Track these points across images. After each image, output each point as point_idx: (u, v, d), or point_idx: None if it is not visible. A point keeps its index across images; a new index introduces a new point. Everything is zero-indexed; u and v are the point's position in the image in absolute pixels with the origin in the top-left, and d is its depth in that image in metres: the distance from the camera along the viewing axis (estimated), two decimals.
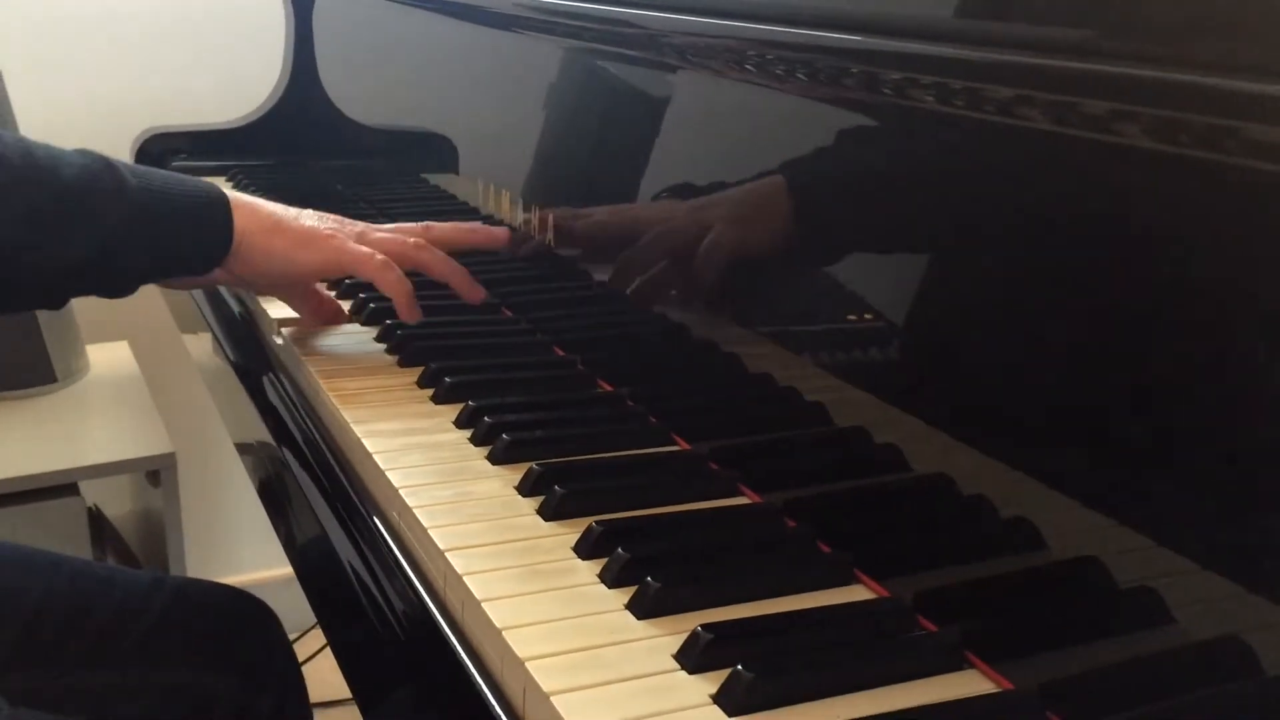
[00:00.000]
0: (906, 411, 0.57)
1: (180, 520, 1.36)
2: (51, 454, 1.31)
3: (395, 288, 0.82)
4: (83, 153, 0.78)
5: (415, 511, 0.62)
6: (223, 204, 0.80)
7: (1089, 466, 0.48)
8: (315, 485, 0.73)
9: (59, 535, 1.28)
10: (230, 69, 1.67)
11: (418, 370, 0.81)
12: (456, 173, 1.08)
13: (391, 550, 0.63)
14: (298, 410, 0.82)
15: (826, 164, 0.63)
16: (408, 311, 0.82)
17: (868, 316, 0.60)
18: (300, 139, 1.47)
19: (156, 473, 1.35)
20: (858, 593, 0.56)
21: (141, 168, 0.80)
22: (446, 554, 0.58)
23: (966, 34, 0.52)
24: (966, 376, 0.54)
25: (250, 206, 0.82)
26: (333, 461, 0.74)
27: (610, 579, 0.55)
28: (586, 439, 0.70)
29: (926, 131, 0.56)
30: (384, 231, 0.86)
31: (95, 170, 0.76)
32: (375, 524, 0.65)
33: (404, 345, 0.84)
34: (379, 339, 0.87)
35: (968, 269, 0.54)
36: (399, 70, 1.25)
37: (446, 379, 0.78)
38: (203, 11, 1.69)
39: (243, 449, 0.97)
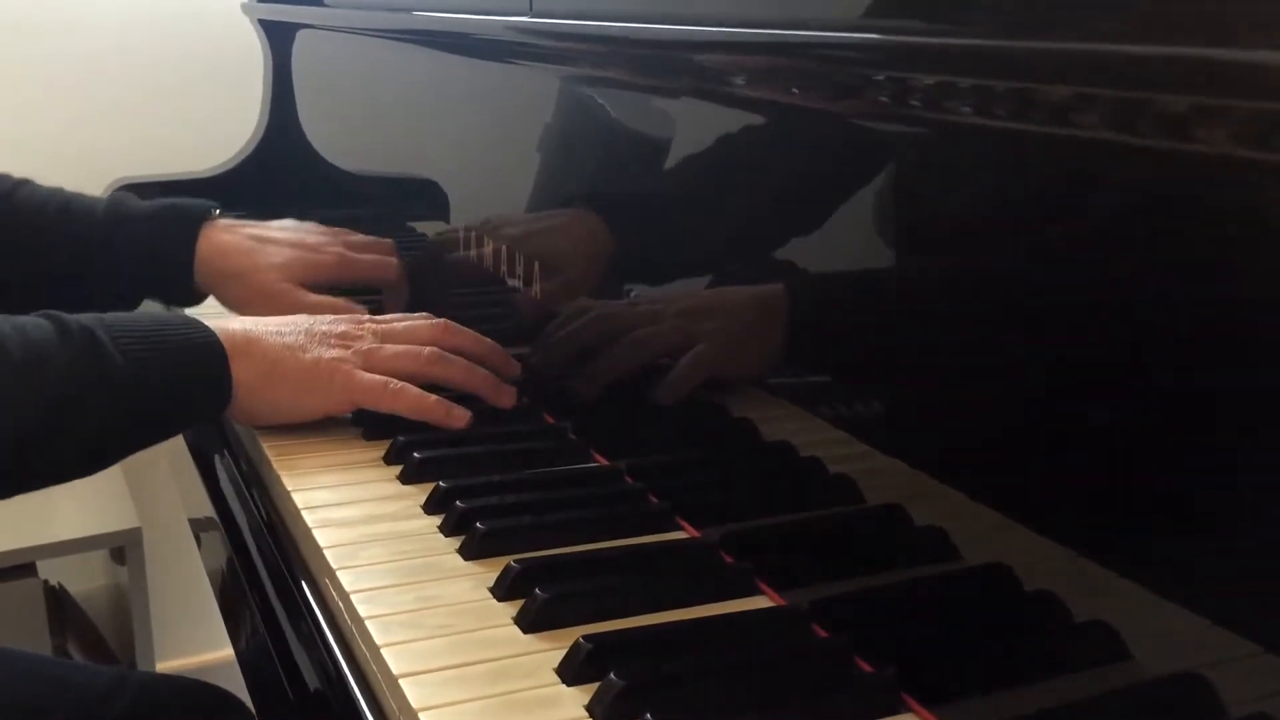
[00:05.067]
0: (949, 484, 0.48)
1: (147, 600, 1.25)
2: (4, 531, 1.21)
3: (418, 409, 0.72)
4: (60, 328, 0.65)
5: (368, 624, 0.51)
6: (219, 357, 0.69)
7: (1191, 560, 0.38)
8: (260, 581, 0.63)
9: (12, 622, 1.17)
10: (205, 115, 1.60)
11: (385, 444, 0.70)
12: (447, 222, 0.99)
13: (344, 673, 0.52)
14: (247, 489, 0.72)
15: (877, 197, 0.53)
16: (445, 418, 0.72)
17: (901, 367, 0.50)
18: (280, 188, 1.40)
19: (121, 549, 1.24)
20: None
21: (123, 321, 0.67)
22: (401, 682, 0.47)
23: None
24: (1023, 441, 0.45)
25: (247, 348, 0.70)
26: (282, 554, 0.63)
27: (601, 713, 0.45)
28: (576, 526, 0.60)
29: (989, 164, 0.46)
30: (395, 342, 0.74)
31: (80, 364, 0.64)
32: (329, 637, 0.55)
33: (370, 415, 0.74)
34: None
35: (1023, 315, 0.45)
36: (384, 113, 1.18)
37: (415, 454, 0.68)
38: (176, 55, 1.61)
39: (195, 526, 0.87)
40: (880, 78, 0.46)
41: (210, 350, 0.69)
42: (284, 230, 0.95)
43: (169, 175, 1.41)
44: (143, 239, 0.91)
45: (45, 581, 1.27)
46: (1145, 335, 0.40)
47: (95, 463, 0.67)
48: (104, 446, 0.66)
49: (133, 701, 0.80)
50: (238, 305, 0.90)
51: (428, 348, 0.74)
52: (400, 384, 0.72)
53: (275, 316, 0.75)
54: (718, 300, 0.62)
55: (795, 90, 0.52)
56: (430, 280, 0.98)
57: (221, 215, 0.94)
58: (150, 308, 0.95)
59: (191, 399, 0.69)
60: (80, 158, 1.56)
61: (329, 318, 0.76)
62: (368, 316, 0.78)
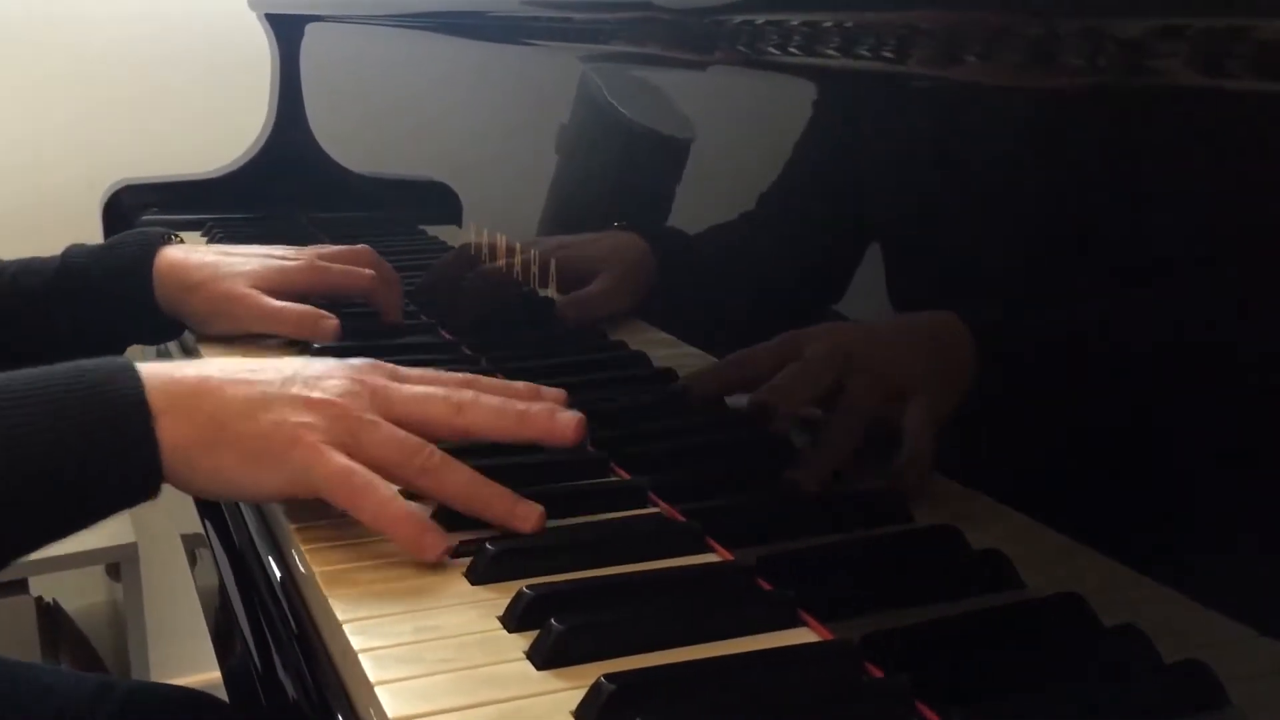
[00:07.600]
0: (1007, 503, 0.44)
1: (143, 616, 1.20)
2: None
3: (379, 518, 0.54)
4: None
5: (362, 658, 0.46)
6: (138, 416, 0.53)
7: None
8: (248, 607, 0.58)
9: (3, 638, 1.12)
10: (211, 113, 1.57)
11: None
12: (459, 225, 0.95)
13: (333, 713, 0.47)
14: (239, 507, 0.66)
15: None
16: (415, 545, 0.54)
17: (944, 368, 0.46)
18: (286, 189, 1.37)
19: (117, 565, 1.19)
20: None
21: (16, 382, 0.54)
22: None
23: None
24: (1094, 455, 0.40)
25: (189, 401, 0.55)
26: (272, 575, 0.58)
27: None
28: (594, 547, 0.55)
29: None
30: (396, 417, 0.57)
31: None
32: (322, 670, 0.50)
33: None
34: None
35: (1104, 318, 0.40)
36: (394, 112, 1.15)
37: None
38: (181, 52, 1.58)
39: (187, 542, 0.83)
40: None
41: (127, 407, 0.53)
42: (250, 247, 0.90)
43: (172, 176, 1.38)
44: (98, 271, 0.85)
45: (39, 598, 1.23)
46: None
47: None
48: None
49: (119, 708, 0.76)
50: (202, 318, 0.85)
51: (427, 448, 0.56)
52: (367, 479, 0.54)
53: (259, 359, 0.60)
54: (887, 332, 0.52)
55: (847, 52, 0.46)
56: (454, 287, 0.92)
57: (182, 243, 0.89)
58: (132, 353, 0.89)
59: (98, 474, 0.53)
60: (82, 157, 1.53)
61: (323, 365, 0.59)
62: (383, 371, 0.60)
